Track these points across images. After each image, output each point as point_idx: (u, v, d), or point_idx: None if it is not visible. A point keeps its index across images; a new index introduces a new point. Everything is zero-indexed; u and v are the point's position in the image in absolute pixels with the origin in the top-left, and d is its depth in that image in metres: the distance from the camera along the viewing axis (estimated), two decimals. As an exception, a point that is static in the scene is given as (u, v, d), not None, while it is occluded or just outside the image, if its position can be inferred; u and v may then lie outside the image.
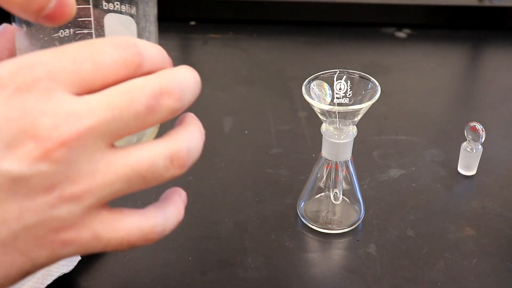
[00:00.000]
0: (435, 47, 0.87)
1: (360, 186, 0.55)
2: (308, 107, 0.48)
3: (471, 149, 0.59)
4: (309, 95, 0.46)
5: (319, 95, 0.47)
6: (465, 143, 0.59)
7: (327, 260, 0.51)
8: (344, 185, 0.53)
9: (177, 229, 0.54)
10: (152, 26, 0.36)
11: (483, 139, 0.58)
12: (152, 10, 0.36)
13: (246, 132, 0.67)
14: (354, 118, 0.47)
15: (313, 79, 0.48)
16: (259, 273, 0.49)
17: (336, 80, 0.48)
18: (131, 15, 0.35)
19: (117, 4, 0.35)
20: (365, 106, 0.46)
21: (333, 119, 0.47)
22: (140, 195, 0.58)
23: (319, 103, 0.46)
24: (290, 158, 0.63)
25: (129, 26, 0.35)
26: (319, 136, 0.50)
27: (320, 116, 0.48)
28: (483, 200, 0.57)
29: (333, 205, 0.54)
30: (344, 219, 0.54)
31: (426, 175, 0.60)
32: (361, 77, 0.48)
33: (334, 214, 0.54)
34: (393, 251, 0.51)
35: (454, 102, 0.77)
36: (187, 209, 0.57)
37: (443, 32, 0.89)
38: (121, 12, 0.35)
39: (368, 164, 0.61)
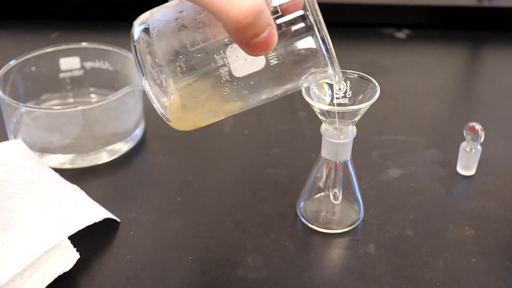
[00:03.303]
0: (434, 47, 0.87)
1: (360, 186, 0.56)
2: (308, 107, 0.48)
3: (470, 149, 0.59)
4: (309, 95, 0.46)
5: (318, 96, 0.47)
6: (464, 143, 0.60)
7: (327, 259, 0.51)
8: (344, 185, 0.53)
9: (177, 229, 0.54)
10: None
11: (482, 139, 0.58)
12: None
13: (246, 132, 0.67)
14: (353, 118, 0.47)
15: (312, 79, 0.48)
16: (259, 273, 0.49)
17: (336, 80, 0.48)
18: None
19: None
20: (364, 106, 0.46)
21: (333, 119, 0.48)
22: (140, 194, 0.58)
23: (318, 104, 0.46)
24: (290, 158, 0.63)
25: None
26: (319, 136, 0.50)
27: (319, 116, 0.48)
28: (482, 200, 0.57)
29: (333, 205, 0.54)
30: (344, 219, 0.54)
31: (425, 175, 0.60)
32: (361, 77, 0.48)
33: (333, 213, 0.54)
34: (393, 250, 0.52)
35: (453, 102, 0.77)
36: (187, 209, 0.58)
37: (442, 32, 0.89)
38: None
39: (367, 164, 0.61)
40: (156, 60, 0.38)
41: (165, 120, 0.41)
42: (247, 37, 0.34)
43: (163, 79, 0.38)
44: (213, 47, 0.38)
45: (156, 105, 0.40)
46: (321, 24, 0.37)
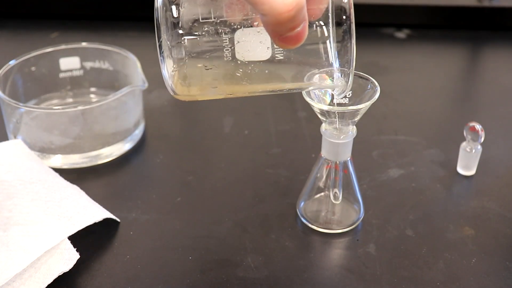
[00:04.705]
0: (435, 47, 0.87)
1: (360, 186, 0.56)
2: (308, 107, 0.48)
3: (471, 149, 0.59)
4: (309, 95, 0.46)
5: (318, 95, 0.47)
6: (464, 143, 0.60)
7: (327, 259, 0.51)
8: (344, 185, 0.53)
9: (177, 229, 0.54)
10: None
11: (482, 139, 0.58)
12: None
13: (246, 132, 0.67)
14: (353, 118, 0.47)
15: (312, 79, 0.48)
16: (259, 273, 0.49)
17: (336, 80, 0.48)
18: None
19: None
20: (364, 106, 0.46)
21: (333, 119, 0.48)
22: (140, 194, 0.58)
23: (318, 104, 0.46)
24: (290, 158, 0.63)
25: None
26: (319, 136, 0.50)
27: (319, 116, 0.48)
28: (482, 200, 0.57)
29: (333, 205, 0.54)
30: (344, 219, 0.54)
31: (425, 175, 0.60)
32: (361, 77, 0.48)
33: (333, 213, 0.54)
34: (393, 250, 0.52)
35: (454, 102, 0.77)
36: (187, 209, 0.58)
37: (442, 32, 0.89)
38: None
39: (367, 164, 0.61)
40: (179, 23, 0.38)
41: (167, 87, 0.40)
42: (283, 30, 0.34)
43: (182, 42, 0.38)
44: (235, 25, 0.38)
45: (164, 69, 0.39)
46: (352, 33, 0.36)
